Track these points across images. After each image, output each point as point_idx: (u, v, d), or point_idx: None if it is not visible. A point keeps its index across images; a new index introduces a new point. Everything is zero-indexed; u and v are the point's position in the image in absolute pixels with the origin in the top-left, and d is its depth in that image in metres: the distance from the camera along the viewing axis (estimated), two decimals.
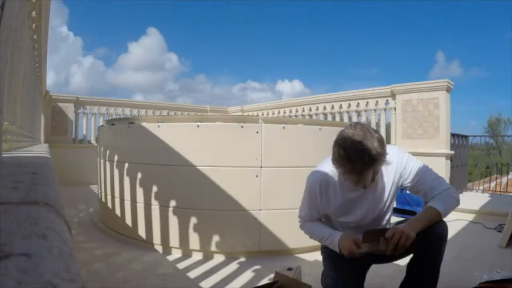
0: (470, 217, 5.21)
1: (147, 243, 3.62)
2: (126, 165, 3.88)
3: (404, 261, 2.21)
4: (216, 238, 3.40)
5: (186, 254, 3.42)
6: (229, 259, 3.32)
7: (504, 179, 9.69)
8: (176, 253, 3.46)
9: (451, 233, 4.35)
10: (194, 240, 3.42)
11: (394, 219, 2.48)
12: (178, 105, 10.90)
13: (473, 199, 6.19)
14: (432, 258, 1.99)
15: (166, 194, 3.56)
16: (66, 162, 7.77)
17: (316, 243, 3.60)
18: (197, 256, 3.38)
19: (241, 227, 3.43)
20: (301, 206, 2.18)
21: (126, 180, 3.87)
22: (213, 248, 3.39)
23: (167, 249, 3.51)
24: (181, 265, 3.15)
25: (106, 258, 3.28)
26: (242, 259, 3.31)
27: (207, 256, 3.36)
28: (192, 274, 2.94)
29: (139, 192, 3.71)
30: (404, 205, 5.39)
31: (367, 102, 7.34)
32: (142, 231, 3.67)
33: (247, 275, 2.94)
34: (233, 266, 3.15)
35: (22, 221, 0.41)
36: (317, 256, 3.47)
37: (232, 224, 3.43)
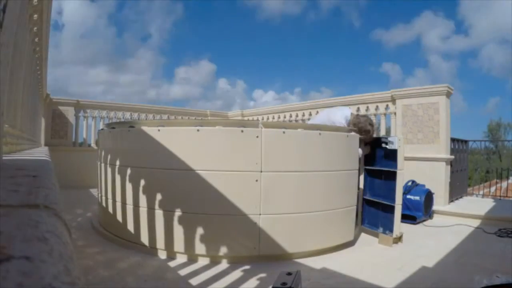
0: (470, 222, 5.20)
1: (151, 248, 3.60)
2: (126, 168, 3.88)
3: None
4: (216, 243, 3.39)
5: (192, 259, 3.40)
6: (230, 263, 3.31)
7: (504, 184, 9.70)
8: (180, 258, 3.44)
9: (451, 238, 4.36)
10: (197, 245, 3.41)
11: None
12: (178, 109, 10.91)
13: (473, 204, 6.19)
14: None
15: (168, 199, 3.55)
16: (66, 166, 7.75)
17: (315, 247, 3.61)
18: (202, 261, 3.37)
19: (241, 232, 3.42)
20: None
21: (126, 184, 3.86)
22: (213, 253, 3.37)
23: (171, 254, 3.50)
24: (184, 271, 3.13)
25: (110, 264, 3.25)
26: (242, 264, 3.28)
27: (214, 261, 3.35)
28: (194, 281, 2.92)
29: (141, 196, 3.70)
30: (403, 210, 5.37)
31: (367, 107, 7.35)
32: (145, 236, 3.65)
33: (246, 280, 2.93)
34: (233, 271, 3.13)
35: (23, 224, 0.40)
36: (316, 260, 3.47)
37: (232, 229, 3.42)
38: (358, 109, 7.52)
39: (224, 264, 3.30)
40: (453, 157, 6.09)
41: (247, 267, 3.19)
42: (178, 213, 3.46)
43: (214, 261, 3.34)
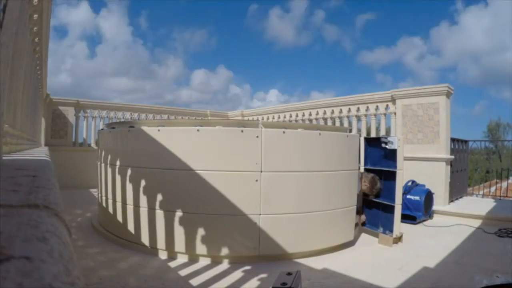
0: (470, 222, 5.19)
1: (151, 248, 3.60)
2: (126, 168, 3.88)
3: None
4: (217, 243, 3.39)
5: (193, 259, 3.41)
6: (231, 264, 3.32)
7: (504, 184, 9.69)
8: (181, 258, 3.44)
9: (451, 238, 4.35)
10: (198, 245, 3.41)
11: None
12: (178, 109, 10.91)
13: (473, 204, 6.18)
14: None
15: (168, 199, 3.55)
16: (66, 166, 7.76)
17: (315, 247, 3.61)
18: (203, 261, 3.37)
19: (241, 232, 3.42)
20: None
21: (126, 184, 3.86)
22: (214, 253, 3.38)
23: (172, 254, 3.50)
24: (184, 272, 3.13)
25: (110, 264, 3.25)
26: (242, 264, 3.29)
27: (214, 261, 3.36)
28: (195, 281, 2.91)
29: (141, 196, 3.70)
30: (404, 210, 5.37)
31: (367, 107, 7.35)
32: (145, 236, 3.66)
33: (247, 281, 2.93)
34: (234, 272, 3.13)
35: (23, 224, 0.40)
36: (316, 260, 3.47)
37: (232, 229, 3.42)
38: (358, 109, 7.53)
39: (225, 265, 3.30)
40: (453, 157, 6.09)
41: (247, 267, 3.19)
42: (178, 213, 3.46)
43: (215, 261, 3.35)
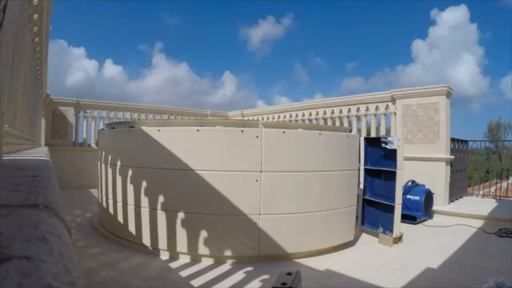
0: (470, 222, 5.19)
1: (153, 249, 3.60)
2: (127, 169, 3.88)
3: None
4: (217, 243, 3.39)
5: (195, 259, 3.41)
6: (232, 264, 3.32)
7: (504, 184, 9.69)
8: (183, 259, 3.44)
9: (451, 238, 4.35)
10: (199, 246, 3.41)
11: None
12: (178, 109, 10.90)
13: (473, 204, 6.18)
14: None
15: (168, 199, 3.55)
16: (66, 166, 7.76)
17: (315, 247, 3.61)
18: (205, 262, 3.37)
19: (241, 232, 3.42)
20: None
21: (127, 184, 3.86)
22: (215, 253, 3.38)
23: (173, 255, 3.49)
24: (186, 272, 3.12)
25: (111, 265, 3.24)
26: (243, 264, 3.29)
27: (216, 261, 3.36)
28: (197, 282, 2.91)
29: (142, 196, 3.70)
30: (404, 210, 5.37)
31: (367, 107, 7.34)
32: (146, 236, 3.65)
33: (249, 282, 2.93)
34: (236, 272, 3.13)
35: (23, 224, 0.40)
36: (316, 261, 3.47)
37: (232, 229, 3.42)
38: (358, 109, 7.52)
39: (227, 265, 3.29)
40: (453, 157, 6.09)
41: (249, 268, 3.18)
42: (179, 213, 3.46)
43: (217, 261, 3.35)
